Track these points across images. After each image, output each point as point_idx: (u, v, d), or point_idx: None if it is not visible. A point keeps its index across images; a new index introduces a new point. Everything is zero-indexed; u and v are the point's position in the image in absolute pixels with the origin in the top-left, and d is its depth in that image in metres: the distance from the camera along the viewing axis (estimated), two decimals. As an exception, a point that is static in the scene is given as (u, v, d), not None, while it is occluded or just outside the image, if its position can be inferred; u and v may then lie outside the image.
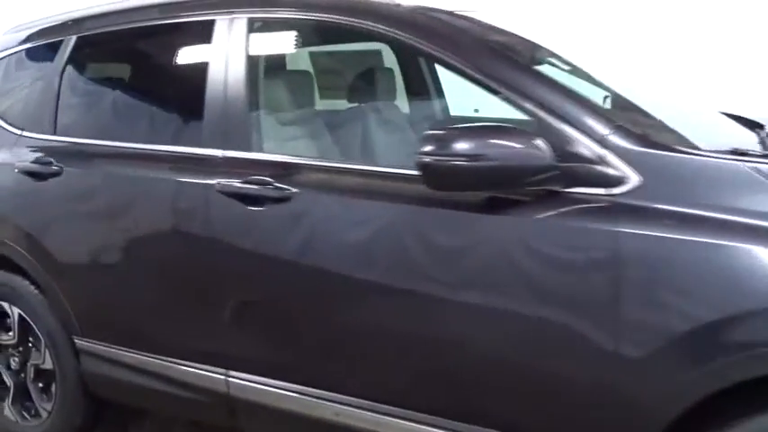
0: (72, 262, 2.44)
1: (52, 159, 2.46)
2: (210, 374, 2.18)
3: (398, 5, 2.06)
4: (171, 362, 2.27)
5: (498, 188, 1.67)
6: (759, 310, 1.44)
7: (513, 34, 2.14)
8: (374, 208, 1.87)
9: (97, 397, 2.55)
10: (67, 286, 2.45)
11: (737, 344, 1.47)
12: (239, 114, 2.12)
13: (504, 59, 1.87)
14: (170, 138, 2.33)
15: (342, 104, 2.67)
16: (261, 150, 2.13)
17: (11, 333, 2.65)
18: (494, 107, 2.88)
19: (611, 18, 3.72)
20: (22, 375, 2.66)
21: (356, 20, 2.00)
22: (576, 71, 2.15)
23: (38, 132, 2.57)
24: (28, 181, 2.50)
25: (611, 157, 1.61)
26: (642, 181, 1.58)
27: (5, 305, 2.65)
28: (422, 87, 3.05)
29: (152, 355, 2.30)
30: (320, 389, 1.98)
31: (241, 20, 2.18)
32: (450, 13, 2.11)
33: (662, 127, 1.80)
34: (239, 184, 2.04)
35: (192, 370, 2.22)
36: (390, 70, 2.92)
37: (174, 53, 2.40)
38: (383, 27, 1.96)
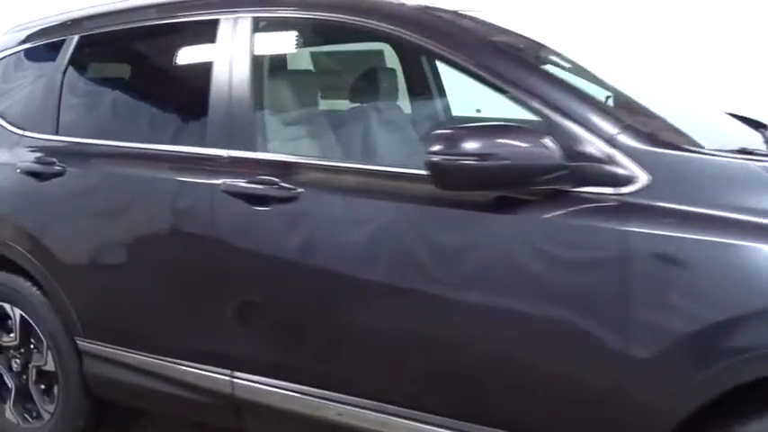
0: (75, 263, 2.43)
1: (55, 159, 2.44)
2: (215, 375, 2.17)
3: (403, 5, 2.06)
4: (175, 363, 2.25)
5: (508, 187, 1.66)
6: None
7: (518, 34, 2.13)
8: (381, 208, 1.87)
9: (99, 398, 2.53)
10: (70, 287, 2.43)
11: (747, 344, 1.47)
12: (244, 114, 2.11)
13: (512, 58, 1.86)
14: (174, 138, 2.32)
15: (344, 105, 2.65)
16: (266, 150, 2.12)
17: (12, 334, 2.63)
18: (495, 107, 2.89)
19: (615, 18, 3.72)
20: (24, 377, 2.65)
21: (362, 19, 2.00)
22: (580, 70, 2.15)
23: (40, 132, 2.55)
24: (30, 181, 2.49)
25: (619, 157, 1.61)
26: (651, 180, 1.58)
27: (7, 306, 2.63)
28: (424, 87, 3.04)
29: (156, 357, 2.29)
30: (328, 390, 1.97)
31: (245, 19, 2.17)
32: (455, 13, 2.11)
33: (667, 126, 1.80)
34: (244, 184, 2.03)
35: (197, 371, 2.21)
36: (393, 70, 2.92)
37: (178, 53, 2.39)
38: (389, 26, 1.95)
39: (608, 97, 1.94)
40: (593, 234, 1.60)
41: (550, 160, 1.62)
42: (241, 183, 2.03)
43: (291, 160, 2.07)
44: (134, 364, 2.34)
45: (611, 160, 1.62)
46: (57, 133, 2.53)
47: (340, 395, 1.95)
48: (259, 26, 2.17)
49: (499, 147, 1.61)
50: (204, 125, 2.17)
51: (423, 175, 1.74)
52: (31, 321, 2.57)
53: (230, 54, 2.15)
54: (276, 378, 2.05)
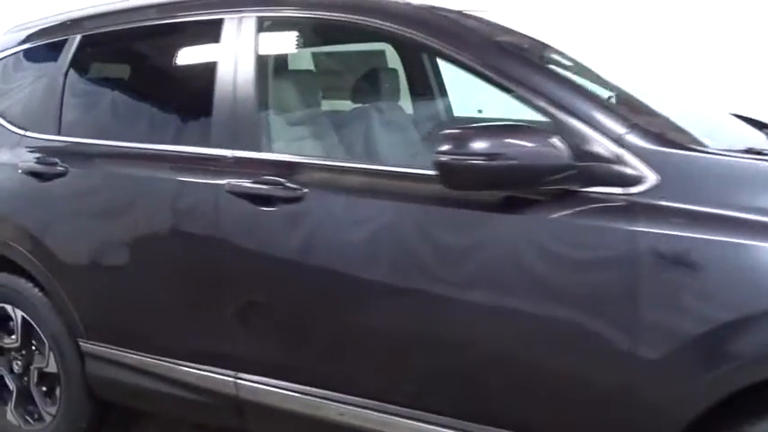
0: (77, 264, 2.41)
1: (57, 160, 2.43)
2: (220, 377, 2.16)
3: (409, 4, 2.05)
4: (179, 364, 2.24)
5: (516, 187, 1.66)
6: None
7: (522, 34, 2.13)
8: (388, 208, 1.86)
9: (102, 400, 2.52)
10: (72, 288, 2.42)
11: (756, 344, 1.47)
12: (249, 114, 2.10)
13: (518, 58, 1.86)
14: (178, 138, 2.31)
15: (348, 105, 2.65)
16: (271, 150, 2.11)
17: (13, 336, 2.62)
18: (497, 107, 2.89)
19: (617, 19, 3.73)
20: (25, 379, 2.63)
21: (368, 19, 1.99)
22: (583, 70, 2.15)
23: (42, 132, 2.54)
24: (32, 181, 2.47)
25: (628, 156, 1.61)
26: (660, 180, 1.58)
27: (8, 308, 2.61)
28: (426, 88, 3.04)
29: (160, 358, 2.28)
30: (335, 391, 1.97)
31: (250, 19, 2.16)
32: (460, 13, 2.10)
33: (672, 126, 1.80)
34: (249, 184, 2.02)
35: (201, 372, 2.20)
36: (395, 70, 2.92)
37: (181, 53, 2.38)
38: (395, 26, 1.94)
39: (610, 97, 1.94)
40: (601, 234, 1.59)
41: (559, 160, 1.62)
42: (246, 183, 2.03)
43: (296, 160, 2.06)
44: (137, 366, 2.33)
45: (619, 160, 1.61)
46: (59, 133, 2.51)
47: (354, 397, 1.94)
48: (264, 26, 2.17)
49: (508, 147, 1.60)
50: (208, 125, 2.16)
51: (429, 175, 1.75)
52: (33, 323, 2.55)
53: (234, 54, 2.14)
54: (281, 379, 2.05)
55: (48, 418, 2.60)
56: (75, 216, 2.42)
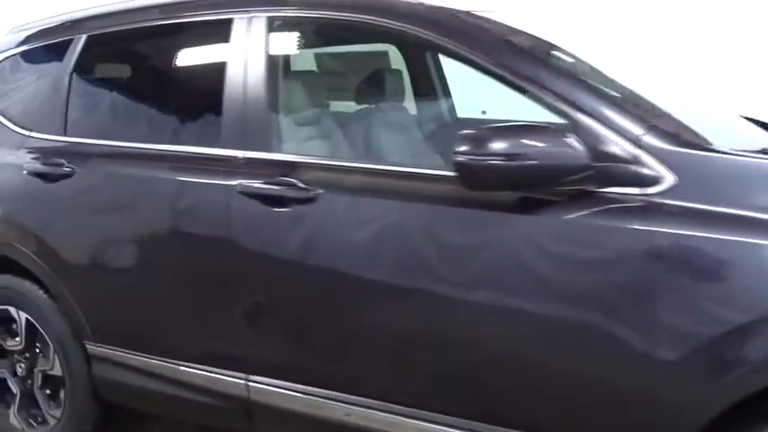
0: (84, 265, 2.39)
1: (63, 160, 2.41)
2: (230, 379, 2.15)
3: (421, 4, 2.05)
4: (188, 366, 2.23)
5: (534, 188, 1.66)
6: None
7: (533, 35, 2.13)
8: (404, 208, 1.86)
9: (107, 402, 2.50)
10: (79, 290, 2.40)
11: None
12: (259, 114, 2.09)
13: (533, 58, 1.86)
14: (187, 138, 2.30)
15: (356, 105, 2.64)
16: (281, 151, 2.11)
17: (17, 339, 2.59)
18: (501, 108, 2.89)
19: (625, 21, 3.75)
20: (29, 382, 2.60)
21: (381, 19, 1.98)
22: (593, 71, 2.15)
23: (47, 133, 2.52)
24: (37, 182, 2.45)
25: (645, 157, 1.62)
26: (677, 180, 1.58)
27: (12, 310, 2.58)
28: (429, 88, 3.04)
29: (168, 360, 2.26)
30: (349, 393, 1.96)
31: (260, 19, 2.15)
32: (470, 13, 2.10)
33: (684, 128, 1.80)
34: (262, 185, 2.01)
35: (211, 374, 2.18)
36: (399, 71, 2.92)
37: (190, 52, 2.37)
38: (409, 26, 1.94)
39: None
40: (619, 235, 1.60)
41: (577, 160, 1.62)
42: (258, 184, 2.02)
43: (308, 161, 2.06)
44: (145, 368, 2.32)
45: (636, 161, 1.62)
46: (65, 134, 2.49)
47: (370, 400, 1.93)
48: (274, 26, 2.16)
49: (527, 147, 1.61)
50: (218, 126, 2.15)
51: (447, 175, 1.75)
52: (37, 325, 2.53)
53: (244, 54, 2.13)
54: (294, 381, 2.03)
55: (52, 422, 2.57)
56: (83, 217, 2.40)
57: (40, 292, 2.50)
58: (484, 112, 3.21)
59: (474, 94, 3.03)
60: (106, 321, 2.39)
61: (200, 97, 2.33)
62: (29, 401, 2.61)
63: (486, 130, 1.65)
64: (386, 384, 1.92)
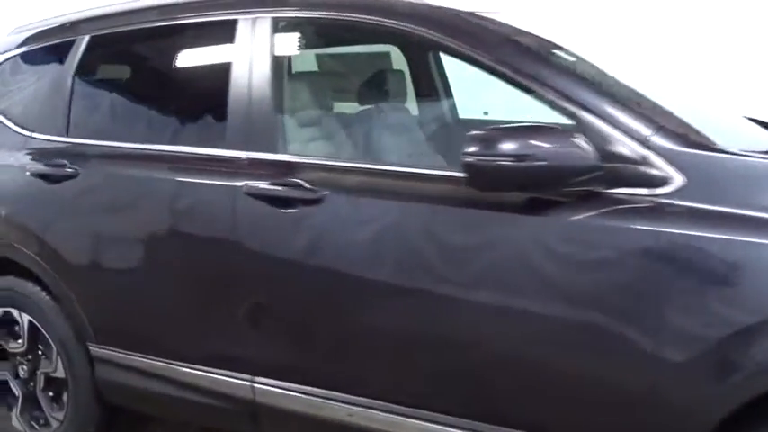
0: (88, 267, 2.38)
1: (66, 161, 2.40)
2: (236, 380, 2.14)
3: (427, 5, 2.05)
4: (192, 368, 2.22)
5: (543, 189, 1.66)
6: None
7: (539, 35, 2.13)
8: (411, 209, 1.86)
9: (110, 404, 2.49)
10: (82, 292, 2.39)
11: None
12: (265, 115, 2.09)
13: (540, 59, 1.86)
14: (191, 139, 2.29)
15: (360, 106, 2.64)
16: (287, 152, 2.10)
17: (20, 341, 2.58)
18: (502, 110, 2.88)
19: (627, 22, 3.75)
20: (31, 384, 2.59)
21: (387, 20, 1.98)
22: (598, 72, 2.15)
23: (49, 134, 2.51)
24: (39, 183, 2.44)
25: (654, 158, 1.62)
26: (686, 181, 1.58)
27: (14, 312, 2.57)
28: (432, 89, 3.04)
29: (173, 362, 2.25)
30: (356, 395, 1.95)
31: (265, 20, 2.14)
32: (473, 14, 2.10)
33: (691, 129, 1.80)
34: (268, 186, 2.01)
35: (216, 376, 2.18)
36: (402, 72, 2.92)
37: (194, 53, 2.36)
38: (416, 27, 1.94)
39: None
40: (627, 235, 1.59)
41: (586, 161, 1.62)
42: (264, 185, 2.01)
43: (314, 162, 2.06)
44: (149, 369, 2.31)
45: (645, 161, 1.62)
46: (68, 135, 2.48)
47: (375, 401, 1.93)
48: (279, 26, 2.15)
49: (536, 148, 1.60)
50: (223, 126, 2.14)
51: (454, 176, 1.75)
52: (40, 327, 2.52)
53: (249, 55, 2.13)
54: (301, 383, 2.03)
55: (54, 424, 2.56)
56: (86, 218, 2.39)
57: (43, 293, 2.49)
58: (486, 113, 3.22)
59: (475, 94, 3.05)
60: (110, 323, 2.38)
61: (205, 98, 2.32)
62: (31, 404, 2.60)
63: (495, 130, 1.65)
64: (397, 386, 1.91)
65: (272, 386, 2.08)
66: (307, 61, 2.58)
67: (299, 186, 1.97)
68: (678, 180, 1.59)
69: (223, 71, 2.16)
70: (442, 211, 1.81)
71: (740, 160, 1.62)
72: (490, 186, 1.67)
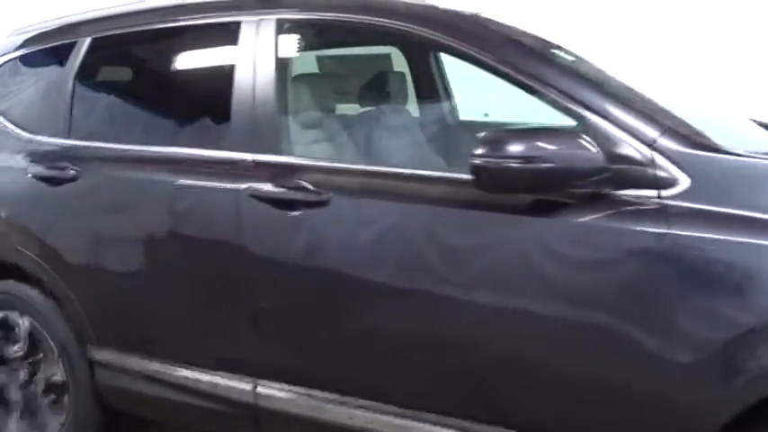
0: (90, 269, 2.37)
1: (68, 163, 2.38)
2: (238, 384, 2.13)
3: (433, 7, 2.05)
4: (195, 372, 2.21)
5: (551, 190, 1.66)
6: None
7: (542, 37, 2.13)
8: (419, 212, 1.85)
9: (111, 408, 2.47)
10: (85, 294, 2.37)
11: None
12: (269, 117, 2.08)
13: (545, 60, 1.86)
14: (195, 141, 2.28)
15: (363, 108, 2.64)
16: (291, 153, 2.10)
17: (19, 345, 2.55)
18: (503, 111, 2.88)
19: (624, 23, 3.76)
20: (31, 388, 2.56)
21: (391, 21, 1.98)
22: (600, 73, 2.16)
23: (50, 136, 2.49)
24: (41, 186, 2.43)
25: (660, 160, 1.62)
26: (692, 183, 1.59)
27: (13, 315, 2.55)
28: (432, 91, 3.04)
29: (175, 366, 2.24)
30: (360, 398, 1.95)
31: (269, 22, 2.14)
32: (476, 15, 2.10)
33: (696, 130, 1.81)
34: (273, 188, 2.00)
35: (218, 380, 2.17)
36: (404, 74, 2.92)
37: (197, 55, 2.36)
38: (425, 30, 1.93)
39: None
40: (634, 237, 1.60)
41: (594, 163, 1.62)
42: (269, 187, 2.00)
43: (319, 164, 2.05)
44: (151, 373, 2.29)
45: (652, 163, 1.62)
46: (69, 137, 2.46)
47: (380, 404, 1.92)
48: (283, 28, 2.15)
49: (544, 150, 1.61)
50: (227, 128, 2.13)
51: (461, 178, 1.75)
52: (41, 330, 2.50)
53: (253, 57, 2.12)
54: (306, 386, 2.02)
55: (54, 428, 2.53)
56: (89, 221, 2.37)
57: (43, 296, 2.48)
58: (486, 115, 3.22)
59: (476, 96, 3.05)
60: (112, 326, 2.37)
61: (209, 100, 2.31)
62: (31, 408, 2.57)
63: (503, 133, 1.66)
64: (405, 389, 1.91)
65: (275, 390, 2.07)
66: (311, 63, 2.58)
67: (304, 189, 1.96)
68: (684, 182, 1.59)
69: (227, 73, 2.15)
70: (449, 214, 1.81)
71: (746, 162, 1.63)
72: (498, 188, 1.67)
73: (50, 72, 2.59)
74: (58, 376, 2.49)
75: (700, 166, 1.60)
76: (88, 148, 2.42)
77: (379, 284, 1.88)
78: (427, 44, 2.08)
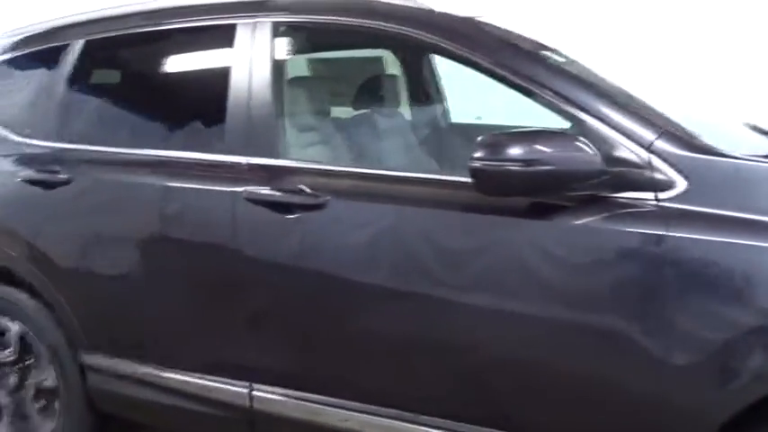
0: (83, 274, 2.34)
1: (59, 167, 2.36)
2: (233, 388, 2.12)
3: (432, 11, 2.05)
4: (190, 376, 2.20)
5: (549, 193, 1.67)
6: None
7: (538, 40, 2.14)
8: (414, 215, 1.85)
9: (103, 413, 2.45)
10: (77, 299, 2.35)
11: None
12: (265, 120, 2.07)
13: (542, 62, 1.87)
14: (189, 144, 2.26)
15: (361, 111, 2.64)
16: (288, 157, 2.09)
17: (8, 350, 2.52)
18: (496, 114, 2.89)
19: (623, 27, 3.78)
20: (20, 394, 2.53)
21: (389, 24, 1.98)
22: (595, 76, 2.17)
23: (42, 139, 2.46)
24: (32, 190, 2.40)
25: (658, 162, 1.63)
26: (689, 185, 1.60)
27: (3, 320, 2.52)
28: (425, 94, 3.04)
29: (169, 370, 2.23)
30: (357, 401, 1.94)
31: (265, 24, 2.13)
32: (472, 19, 2.10)
33: (691, 133, 1.82)
34: (270, 192, 1.99)
35: (213, 384, 2.15)
36: (396, 77, 2.92)
37: (192, 58, 2.34)
38: (424, 34, 1.93)
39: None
40: (632, 239, 1.61)
41: (593, 166, 1.63)
42: (265, 190, 2.00)
43: (316, 167, 2.05)
44: (144, 378, 2.27)
45: (649, 166, 1.63)
46: (61, 140, 2.44)
47: (378, 408, 1.92)
48: (279, 31, 2.14)
49: (543, 153, 1.61)
50: (222, 132, 2.12)
51: (458, 181, 1.75)
52: (32, 335, 2.47)
53: (249, 59, 2.11)
54: (302, 390, 2.01)
55: (45, 434, 2.51)
56: (81, 225, 2.35)
57: (33, 301, 2.45)
58: (479, 118, 3.23)
59: (468, 98, 3.06)
60: (105, 330, 2.35)
61: (204, 103, 2.29)
62: (20, 414, 2.54)
63: (502, 136, 1.66)
64: (402, 393, 1.91)
65: (271, 393, 2.06)
66: (307, 66, 2.57)
67: (301, 192, 1.95)
68: (681, 184, 1.61)
69: (222, 76, 2.14)
70: (448, 216, 1.81)
71: (742, 164, 1.64)
72: (497, 191, 1.68)
73: (42, 75, 2.56)
74: (49, 381, 2.46)
75: (697, 169, 1.62)
76: (81, 151, 2.40)
77: (378, 288, 1.87)
78: (426, 48, 2.07)
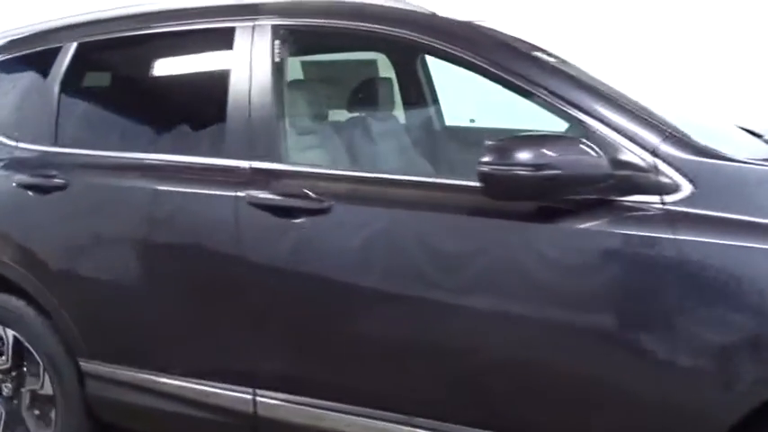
0: (81, 280, 2.31)
1: (55, 172, 2.33)
2: (237, 394, 2.10)
3: (434, 14, 2.05)
4: (192, 382, 2.17)
5: (557, 197, 1.68)
6: None
7: (540, 44, 2.15)
8: (422, 219, 1.85)
9: (101, 421, 2.42)
10: (75, 306, 2.31)
11: None
12: (266, 124, 2.06)
13: (546, 66, 1.87)
14: (189, 148, 2.25)
15: (361, 114, 2.63)
16: (291, 160, 2.08)
17: (3, 357, 2.48)
18: (490, 117, 2.90)
19: (617, 31, 3.81)
20: (15, 402, 2.50)
21: (400, 30, 1.98)
22: (597, 80, 2.18)
23: (37, 144, 2.42)
24: (28, 195, 2.36)
25: (663, 166, 1.65)
26: (694, 189, 1.62)
27: (-1, 328, 2.49)
28: (419, 97, 3.04)
29: (171, 376, 2.20)
30: (360, 406, 1.94)
31: (265, 27, 2.12)
32: (472, 23, 2.11)
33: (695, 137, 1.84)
34: (273, 196, 1.98)
35: (216, 390, 2.14)
36: (391, 80, 2.92)
37: (190, 61, 2.32)
38: (424, 38, 1.94)
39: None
40: (638, 242, 1.62)
41: (599, 170, 1.64)
42: (268, 195, 1.98)
43: (319, 171, 2.04)
44: (144, 385, 2.25)
45: (654, 169, 1.65)
46: (56, 144, 2.40)
47: (381, 412, 1.92)
48: (279, 34, 2.13)
49: (551, 157, 1.62)
50: (222, 135, 2.11)
51: (466, 185, 1.76)
52: (27, 343, 2.43)
53: (249, 63, 2.10)
54: (307, 395, 2.00)
55: (41, 443, 2.47)
56: (79, 230, 2.32)
57: (29, 308, 2.41)
58: (472, 121, 3.24)
59: (463, 101, 3.07)
60: (104, 337, 2.32)
61: (204, 107, 2.28)
62: (16, 423, 2.49)
63: (510, 140, 1.67)
64: (407, 396, 1.90)
65: (275, 399, 2.05)
66: (307, 69, 2.56)
67: (305, 196, 1.94)
68: (687, 188, 1.62)
69: (222, 79, 2.12)
70: (457, 220, 1.81)
71: (747, 168, 1.66)
72: (506, 195, 1.69)
73: (35, 77, 2.52)
74: (45, 389, 2.42)
75: (702, 172, 1.63)
76: (77, 155, 2.37)
77: (385, 293, 1.87)
78: (426, 52, 2.07)
